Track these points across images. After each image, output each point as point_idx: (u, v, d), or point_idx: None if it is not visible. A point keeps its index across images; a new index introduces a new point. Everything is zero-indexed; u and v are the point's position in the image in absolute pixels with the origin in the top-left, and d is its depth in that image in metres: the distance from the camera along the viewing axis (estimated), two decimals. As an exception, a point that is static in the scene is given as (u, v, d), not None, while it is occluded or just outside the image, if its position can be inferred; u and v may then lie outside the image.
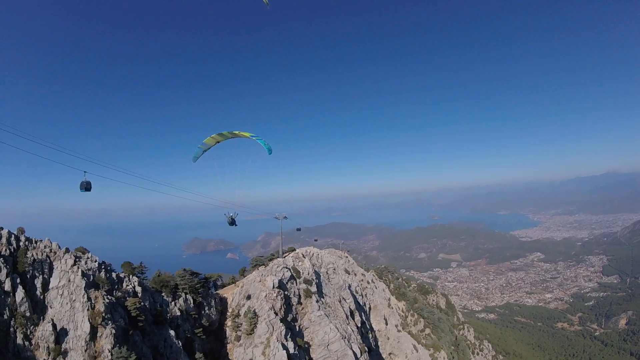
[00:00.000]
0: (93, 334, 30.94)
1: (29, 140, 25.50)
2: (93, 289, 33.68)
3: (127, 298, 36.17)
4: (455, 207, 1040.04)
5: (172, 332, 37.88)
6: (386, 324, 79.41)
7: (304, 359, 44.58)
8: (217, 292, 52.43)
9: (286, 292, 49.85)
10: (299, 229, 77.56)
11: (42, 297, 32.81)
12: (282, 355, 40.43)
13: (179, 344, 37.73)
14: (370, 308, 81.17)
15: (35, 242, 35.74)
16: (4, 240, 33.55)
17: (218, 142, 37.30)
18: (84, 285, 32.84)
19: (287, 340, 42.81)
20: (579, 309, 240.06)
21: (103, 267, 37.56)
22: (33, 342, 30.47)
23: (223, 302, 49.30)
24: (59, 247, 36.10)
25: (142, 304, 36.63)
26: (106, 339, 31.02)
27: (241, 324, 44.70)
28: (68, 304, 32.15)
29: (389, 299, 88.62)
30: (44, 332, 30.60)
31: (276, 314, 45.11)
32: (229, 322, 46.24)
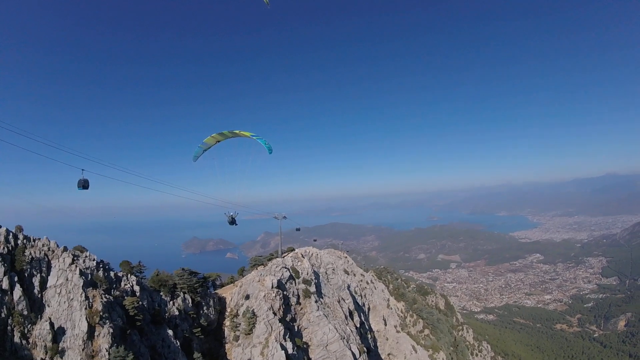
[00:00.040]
0: (90, 333, 30.80)
1: (28, 139, 25.42)
2: (91, 288, 33.54)
3: (125, 297, 36.04)
4: (455, 208, 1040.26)
5: (170, 332, 37.74)
6: (385, 324, 79.29)
7: (302, 359, 44.48)
8: (215, 291, 52.29)
9: (285, 292, 49.71)
10: (298, 229, 77.48)
11: (39, 295, 32.69)
12: (280, 355, 40.30)
13: (177, 343, 37.60)
14: (369, 308, 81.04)
15: (34, 241, 35.62)
16: (2, 238, 33.41)
17: (218, 141, 37.18)
18: (81, 284, 32.70)
19: (285, 341, 42.69)
20: (578, 311, 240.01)
21: (101, 265, 37.46)
22: (30, 341, 30.33)
23: (222, 301, 49.17)
24: (57, 246, 35.98)
25: (140, 303, 36.49)
26: (104, 338, 30.88)
27: (240, 323, 44.58)
28: (66, 302, 32.01)
29: (388, 300, 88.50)
30: (41, 330, 30.46)
31: (275, 314, 44.99)
32: (227, 322, 46.11)
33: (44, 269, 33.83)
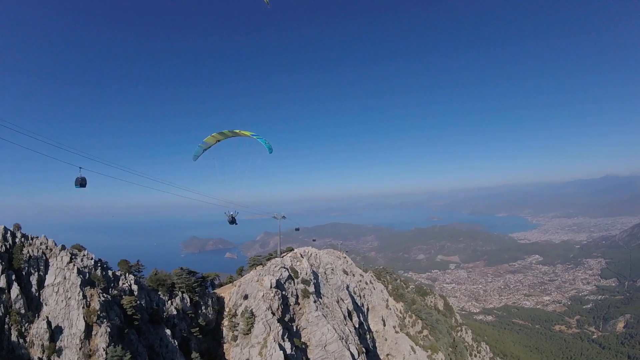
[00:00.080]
0: (88, 332, 30.69)
1: (28, 137, 25.34)
2: (89, 287, 33.42)
3: (123, 296, 35.92)
4: (455, 208, 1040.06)
5: (168, 331, 37.63)
6: (384, 325, 79.16)
7: (300, 360, 44.38)
8: (214, 291, 52.17)
9: (284, 292, 49.59)
10: (297, 229, 77.44)
11: (37, 294, 32.58)
12: (279, 355, 40.20)
13: (175, 343, 37.48)
14: (368, 309, 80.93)
15: (31, 239, 35.50)
16: (-1, 236, 33.31)
17: (219, 140, 37.15)
18: (79, 282, 32.59)
19: (284, 341, 42.59)
20: (577, 312, 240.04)
21: (99, 264, 37.35)
22: (28, 340, 30.23)
23: (220, 301, 49.06)
24: (55, 244, 35.86)
25: (138, 302, 36.39)
26: (101, 337, 30.77)
27: (238, 323, 44.47)
28: (63, 301, 31.90)
29: (387, 300, 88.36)
30: (38, 329, 30.35)
31: (273, 314, 44.88)
32: (225, 322, 46.01)
33: (42, 267, 33.72)
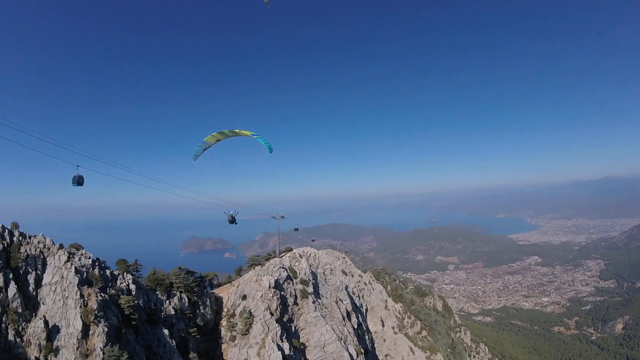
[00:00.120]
0: (85, 332, 30.57)
1: (28, 136, 25.23)
2: (86, 286, 33.31)
3: (121, 296, 35.79)
4: (454, 209, 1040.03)
5: (166, 331, 37.50)
6: (383, 325, 79.06)
7: (299, 360, 44.24)
8: (212, 291, 52.06)
9: (282, 293, 49.47)
10: (296, 229, 77.28)
11: (34, 293, 32.46)
12: (277, 356, 40.07)
13: (172, 343, 37.35)
14: (367, 309, 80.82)
15: (29, 238, 35.38)
16: (-4, 235, 33.17)
17: (219, 140, 37.11)
18: (77, 282, 32.48)
19: (282, 341, 42.45)
20: (576, 313, 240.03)
21: (97, 264, 37.21)
22: (25, 339, 30.10)
23: (218, 301, 48.93)
24: (53, 243, 35.75)
25: (135, 302, 36.26)
26: (98, 337, 30.64)
27: (236, 324, 44.33)
28: (60, 300, 31.77)
29: (386, 301, 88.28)
30: (35, 329, 30.22)
31: (272, 314, 44.74)
32: (224, 322, 45.87)
33: (39, 266, 33.60)
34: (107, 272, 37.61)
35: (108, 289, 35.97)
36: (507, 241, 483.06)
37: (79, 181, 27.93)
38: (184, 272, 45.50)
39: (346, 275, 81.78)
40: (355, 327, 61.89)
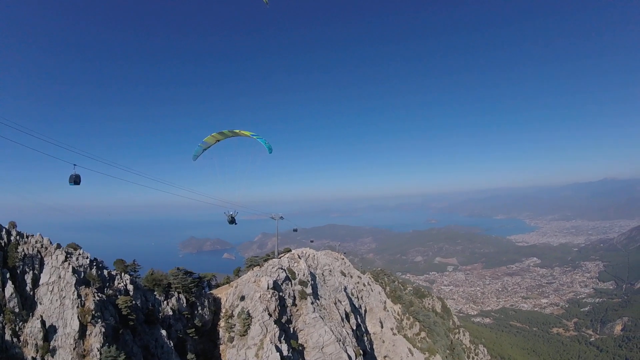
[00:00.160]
0: (82, 332, 30.41)
1: (28, 136, 25.13)
2: (83, 286, 33.16)
3: (119, 296, 35.63)
4: (453, 211, 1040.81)
5: (163, 332, 37.35)
6: (382, 327, 78.95)
7: (297, 361, 44.10)
8: (211, 292, 51.90)
9: (281, 294, 49.33)
10: (295, 230, 77.19)
11: (31, 293, 32.30)
12: (275, 357, 39.92)
13: (170, 344, 37.20)
14: (365, 311, 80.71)
15: (27, 237, 35.22)
16: (-7, 234, 33.02)
17: (218, 140, 37.07)
18: (74, 282, 32.32)
19: (280, 342, 42.31)
20: (575, 315, 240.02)
21: (94, 264, 37.04)
22: (22, 339, 29.93)
23: (217, 302, 48.77)
24: (50, 243, 35.60)
25: (133, 302, 36.09)
26: (95, 337, 30.48)
27: (234, 324, 44.17)
28: (58, 300, 31.61)
29: (385, 302, 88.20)
30: (32, 329, 30.06)
31: (270, 315, 44.60)
32: (222, 323, 45.71)
33: (37, 266, 33.45)
34: (105, 272, 37.46)
35: (105, 289, 35.80)
36: (506, 242, 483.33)
37: (75, 180, 27.82)
38: (182, 272, 45.36)
39: (345, 276, 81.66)
40: (354, 328, 61.77)
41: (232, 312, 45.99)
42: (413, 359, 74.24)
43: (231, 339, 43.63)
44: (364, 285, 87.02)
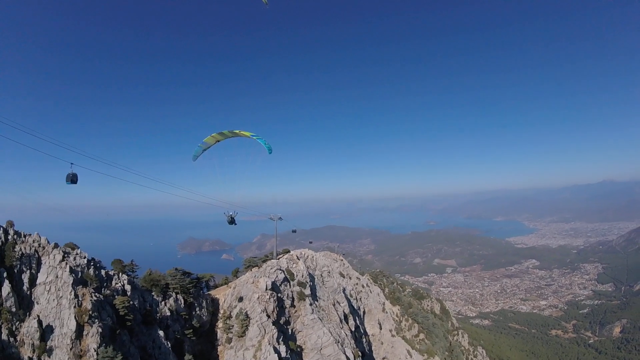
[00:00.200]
0: (79, 332, 30.26)
1: (27, 135, 25.04)
2: (81, 286, 32.99)
3: (116, 296, 35.48)
4: (452, 212, 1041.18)
5: (161, 333, 37.19)
6: (380, 328, 78.80)
7: (295, 362, 43.95)
8: (209, 292, 51.73)
9: (279, 295, 49.20)
10: (294, 231, 77.21)
11: (28, 292, 32.13)
12: (273, 358, 39.79)
13: (168, 344, 37.05)
14: (364, 312, 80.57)
15: (24, 236, 35.05)
16: (-9, 234, 32.87)
17: (218, 141, 37.03)
18: (71, 281, 32.17)
19: (279, 344, 42.18)
20: (574, 317, 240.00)
21: (92, 263, 36.90)
22: (18, 339, 29.79)
23: (215, 303, 48.58)
24: (48, 242, 35.43)
25: (131, 302, 35.95)
26: (92, 337, 30.33)
27: (232, 325, 44.03)
28: (55, 300, 31.47)
29: (384, 304, 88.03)
30: (29, 328, 29.92)
31: (268, 316, 44.47)
32: (220, 324, 45.54)
33: (34, 265, 33.29)
34: (103, 272, 37.28)
35: (103, 289, 35.64)
36: (505, 244, 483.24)
37: (72, 179, 27.71)
38: (180, 273, 45.20)
39: (344, 277, 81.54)
40: (353, 329, 61.64)
41: (230, 313, 45.84)
42: (411, 360, 74.07)
43: (229, 340, 43.48)
44: (363, 286, 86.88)
